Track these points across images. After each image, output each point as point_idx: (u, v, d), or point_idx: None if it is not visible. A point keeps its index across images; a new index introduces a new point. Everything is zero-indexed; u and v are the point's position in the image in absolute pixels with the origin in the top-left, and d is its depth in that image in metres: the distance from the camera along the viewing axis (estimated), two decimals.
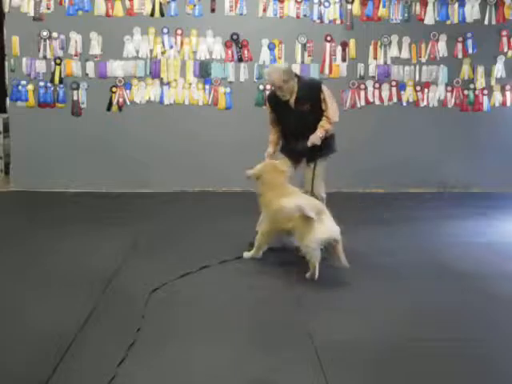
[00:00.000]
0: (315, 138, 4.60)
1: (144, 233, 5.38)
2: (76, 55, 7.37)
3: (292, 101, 4.71)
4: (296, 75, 4.78)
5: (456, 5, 7.56)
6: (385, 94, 7.63)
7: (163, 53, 7.43)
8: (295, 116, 4.69)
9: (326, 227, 4.16)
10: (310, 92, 4.69)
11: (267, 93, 5.58)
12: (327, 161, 4.87)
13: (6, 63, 7.69)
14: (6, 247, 4.91)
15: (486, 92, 7.69)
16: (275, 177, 4.59)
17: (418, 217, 6.19)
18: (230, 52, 7.46)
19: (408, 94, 7.64)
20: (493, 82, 7.70)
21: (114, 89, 7.42)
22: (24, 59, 7.33)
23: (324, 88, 4.71)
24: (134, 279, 4.16)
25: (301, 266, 4.48)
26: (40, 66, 7.36)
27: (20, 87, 7.38)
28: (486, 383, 2.84)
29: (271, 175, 4.59)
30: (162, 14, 7.37)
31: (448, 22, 7.57)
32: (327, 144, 4.76)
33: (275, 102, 4.80)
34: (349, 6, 7.48)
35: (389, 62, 7.59)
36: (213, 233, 5.43)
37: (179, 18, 7.38)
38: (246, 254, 4.67)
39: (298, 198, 4.41)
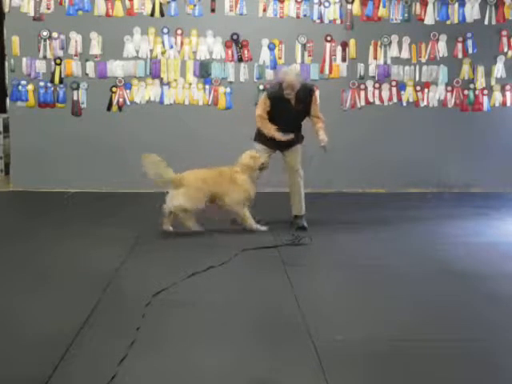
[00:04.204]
0: (324, 135, 5.44)
1: (144, 233, 5.38)
2: (76, 55, 7.38)
3: (293, 102, 5.40)
4: None
5: (456, 5, 7.57)
6: (385, 94, 7.64)
7: (163, 53, 7.43)
8: (292, 113, 5.44)
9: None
10: (306, 94, 5.45)
11: (267, 90, 5.72)
12: (300, 148, 5.67)
13: (6, 63, 7.70)
14: (5, 247, 4.90)
15: (486, 92, 7.70)
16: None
17: (418, 217, 6.19)
18: (229, 52, 7.46)
19: (408, 94, 7.65)
20: (493, 82, 7.71)
21: (114, 89, 7.43)
22: (24, 59, 7.34)
23: (315, 93, 5.58)
24: (134, 279, 4.16)
25: (301, 266, 4.50)
26: (40, 66, 7.37)
27: (20, 87, 7.38)
28: (485, 383, 2.84)
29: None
30: (162, 14, 7.38)
31: (448, 22, 7.58)
32: (300, 135, 5.63)
33: (276, 99, 5.39)
34: (349, 6, 7.48)
35: (389, 62, 7.60)
36: (214, 232, 5.43)
37: (179, 18, 7.39)
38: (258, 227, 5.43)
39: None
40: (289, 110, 5.41)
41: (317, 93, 5.54)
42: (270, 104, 5.42)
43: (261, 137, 5.60)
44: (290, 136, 5.41)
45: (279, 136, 5.39)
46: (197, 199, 5.30)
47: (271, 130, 5.42)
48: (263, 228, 5.46)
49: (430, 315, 3.59)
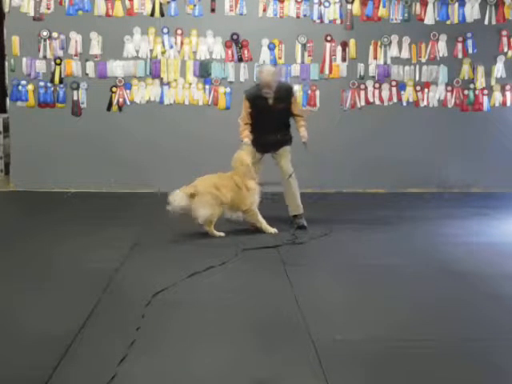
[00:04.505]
0: (306, 132, 5.55)
1: (144, 233, 5.38)
2: (76, 55, 7.38)
3: (271, 100, 5.49)
4: None
5: (456, 5, 7.57)
6: (385, 93, 7.64)
7: (163, 53, 7.43)
8: (271, 113, 5.49)
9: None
10: (286, 93, 5.56)
11: (246, 91, 5.75)
12: (289, 149, 5.74)
13: (6, 63, 7.70)
14: (5, 247, 4.90)
15: (486, 92, 7.70)
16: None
17: (418, 217, 6.19)
18: (230, 52, 7.46)
19: (408, 94, 7.65)
20: (493, 82, 7.71)
21: (114, 89, 7.43)
22: (24, 59, 7.34)
23: (294, 92, 5.78)
24: (134, 279, 4.16)
25: (301, 266, 4.50)
26: (40, 66, 7.37)
27: (20, 87, 7.38)
28: (485, 383, 2.84)
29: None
30: (162, 14, 7.38)
31: (448, 22, 7.58)
32: (289, 136, 5.69)
33: (254, 99, 5.53)
34: (349, 6, 7.48)
35: (389, 61, 7.59)
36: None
37: (179, 18, 7.39)
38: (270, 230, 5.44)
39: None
40: (268, 109, 5.48)
41: (294, 91, 5.74)
42: (250, 104, 5.54)
43: (252, 141, 5.63)
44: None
45: (246, 142, 5.52)
46: (215, 206, 5.28)
47: (242, 135, 5.56)
48: (274, 230, 5.45)
49: (429, 315, 3.59)
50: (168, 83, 7.47)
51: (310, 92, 7.52)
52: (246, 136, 5.55)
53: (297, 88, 7.20)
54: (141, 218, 5.93)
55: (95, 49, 7.37)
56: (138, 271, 4.34)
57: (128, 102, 7.47)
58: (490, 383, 2.85)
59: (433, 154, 7.65)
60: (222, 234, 5.36)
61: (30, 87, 7.38)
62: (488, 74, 7.67)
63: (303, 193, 5.83)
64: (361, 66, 7.59)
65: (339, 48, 7.55)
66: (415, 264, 4.60)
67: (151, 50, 7.43)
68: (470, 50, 7.63)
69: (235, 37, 7.44)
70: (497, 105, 7.75)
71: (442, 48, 7.60)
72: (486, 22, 7.58)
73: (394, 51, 7.58)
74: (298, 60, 7.51)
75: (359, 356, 3.02)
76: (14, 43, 7.32)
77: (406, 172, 7.58)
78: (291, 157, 5.69)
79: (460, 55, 7.64)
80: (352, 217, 6.17)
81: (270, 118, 5.48)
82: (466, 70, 7.65)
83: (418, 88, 7.65)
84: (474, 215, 6.31)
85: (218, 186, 5.31)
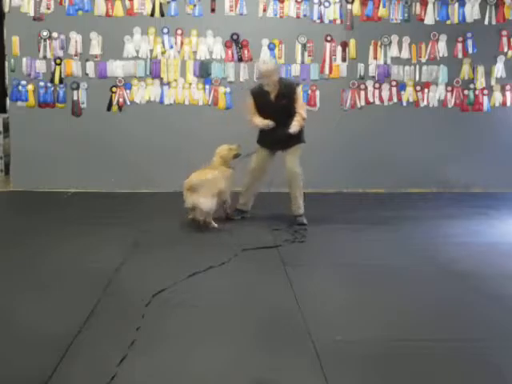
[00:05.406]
0: (295, 126, 5.46)
1: (144, 233, 5.38)
2: (76, 55, 7.37)
3: (273, 96, 5.56)
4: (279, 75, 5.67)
5: (456, 5, 7.56)
6: (385, 94, 7.63)
7: (163, 53, 7.43)
8: (274, 109, 5.54)
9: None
10: (289, 91, 5.57)
11: (250, 89, 5.80)
12: (300, 148, 5.74)
13: (6, 63, 7.69)
14: (5, 247, 4.91)
15: (486, 92, 7.69)
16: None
17: (418, 217, 6.19)
18: (229, 52, 7.46)
19: (408, 94, 7.65)
20: (493, 82, 7.70)
21: (113, 89, 7.42)
22: (24, 59, 7.34)
23: (298, 89, 5.68)
24: (135, 279, 4.16)
25: (301, 266, 4.50)
26: (40, 66, 7.36)
27: (20, 87, 7.38)
28: (485, 383, 2.84)
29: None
30: (162, 14, 7.37)
31: (448, 22, 7.57)
32: (300, 135, 5.64)
33: (258, 95, 5.60)
34: (349, 6, 7.48)
35: (389, 61, 7.59)
36: (214, 232, 5.44)
37: (179, 18, 7.39)
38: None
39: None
40: (270, 106, 5.55)
41: (298, 90, 5.69)
42: (254, 101, 5.62)
43: (261, 139, 5.75)
44: (271, 123, 5.53)
45: (262, 124, 5.56)
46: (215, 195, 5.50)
47: (256, 121, 5.59)
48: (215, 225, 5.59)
49: (430, 315, 3.60)
50: (168, 83, 7.47)
51: (309, 92, 7.52)
52: (258, 120, 5.59)
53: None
54: (141, 218, 5.93)
55: (95, 49, 7.37)
56: (138, 271, 4.34)
57: (128, 102, 7.47)
58: (489, 383, 2.85)
59: (433, 154, 7.65)
60: (216, 225, 5.55)
61: (30, 87, 7.38)
62: (488, 73, 7.66)
63: (303, 193, 5.82)
64: (361, 66, 7.58)
65: (339, 48, 7.54)
66: (415, 264, 4.61)
67: (151, 50, 7.42)
68: (470, 50, 7.62)
69: (235, 37, 7.43)
70: (497, 105, 7.74)
71: (441, 48, 7.60)
72: (486, 22, 7.58)
73: (394, 51, 7.58)
74: (298, 60, 7.51)
75: (359, 356, 3.03)
76: (14, 43, 7.32)
77: (405, 172, 7.58)
78: (299, 158, 5.70)
79: (460, 55, 7.64)
80: (352, 217, 6.18)
81: (274, 114, 5.53)
82: (466, 69, 7.65)
83: (418, 88, 7.65)
84: (474, 215, 6.31)
85: (213, 176, 5.54)
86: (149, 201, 6.88)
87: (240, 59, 7.47)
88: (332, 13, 7.47)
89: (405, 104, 7.66)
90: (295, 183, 5.66)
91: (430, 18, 7.55)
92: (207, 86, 7.50)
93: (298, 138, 5.64)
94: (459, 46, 7.61)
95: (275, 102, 5.56)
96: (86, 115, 7.46)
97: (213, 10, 7.40)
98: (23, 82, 7.37)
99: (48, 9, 7.28)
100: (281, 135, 5.50)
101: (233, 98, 7.48)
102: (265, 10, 7.41)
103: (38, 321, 3.40)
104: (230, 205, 5.87)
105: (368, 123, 7.56)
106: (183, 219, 5.61)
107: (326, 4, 7.45)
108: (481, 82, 7.68)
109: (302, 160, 5.73)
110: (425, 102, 7.67)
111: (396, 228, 5.74)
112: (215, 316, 3.53)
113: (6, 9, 7.32)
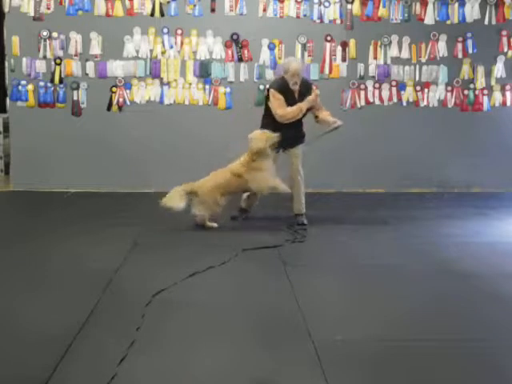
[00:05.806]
0: (336, 120, 5.78)
1: (144, 233, 5.38)
2: (76, 55, 7.38)
3: (296, 93, 5.61)
4: None
5: (456, 5, 7.57)
6: (385, 93, 7.64)
7: (163, 53, 7.43)
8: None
9: None
10: (307, 89, 5.68)
11: (272, 85, 5.70)
12: (301, 148, 5.81)
13: (6, 63, 7.70)
14: (5, 247, 4.90)
15: (486, 92, 7.70)
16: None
17: (417, 217, 6.19)
18: (230, 52, 7.46)
19: (408, 94, 7.65)
20: (493, 82, 7.71)
21: (113, 89, 7.43)
22: (24, 59, 7.34)
23: (314, 88, 5.84)
24: (135, 279, 4.16)
25: (301, 266, 4.50)
26: (40, 66, 7.37)
27: (20, 87, 7.38)
28: (485, 383, 2.84)
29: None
30: (162, 14, 7.38)
31: (448, 22, 7.58)
32: (303, 133, 5.80)
33: (285, 91, 5.56)
34: (349, 6, 7.48)
35: (389, 61, 7.60)
36: (214, 232, 5.44)
37: (179, 18, 7.39)
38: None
39: None
40: (294, 101, 5.57)
41: (314, 88, 5.80)
42: (282, 96, 5.53)
43: None
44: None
45: (305, 106, 5.58)
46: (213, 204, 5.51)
47: (297, 107, 5.55)
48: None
49: (429, 315, 3.60)
50: (168, 83, 7.47)
51: None
52: (303, 104, 5.58)
53: None
54: (141, 218, 5.93)
55: (95, 49, 7.37)
56: (138, 271, 4.34)
57: (128, 102, 7.47)
58: (489, 383, 2.85)
59: (433, 154, 7.65)
60: (216, 224, 5.56)
61: (30, 87, 7.38)
62: (488, 74, 7.67)
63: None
64: (361, 66, 7.59)
65: (339, 48, 7.55)
66: (415, 264, 4.60)
67: (151, 50, 7.43)
68: (470, 50, 7.63)
69: (235, 37, 7.44)
70: (497, 105, 7.75)
71: (442, 48, 7.60)
72: (486, 22, 7.58)
73: (394, 51, 7.58)
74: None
75: (359, 356, 3.03)
76: (14, 43, 7.32)
77: (405, 172, 7.58)
78: (301, 158, 5.76)
79: (460, 55, 7.64)
80: (352, 217, 6.18)
81: None
82: (465, 70, 7.65)
83: (418, 88, 7.65)
84: (474, 215, 6.31)
85: (216, 180, 5.56)
86: (149, 201, 6.87)
87: (240, 59, 7.47)
88: (332, 13, 7.47)
89: (405, 104, 7.67)
90: (299, 181, 5.67)
91: (429, 18, 7.56)
92: (207, 86, 7.50)
93: (303, 137, 5.76)
94: (459, 45, 7.61)
95: (298, 99, 5.61)
96: (85, 115, 7.46)
97: (213, 10, 7.40)
98: (23, 82, 7.38)
99: (48, 9, 7.29)
100: (292, 134, 5.56)
101: (233, 97, 7.48)
102: (265, 10, 7.42)
103: (38, 321, 3.39)
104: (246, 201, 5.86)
105: (368, 123, 7.56)
106: (183, 219, 5.61)
107: (326, 4, 7.45)
108: (481, 82, 7.68)
109: (302, 160, 5.73)
110: (425, 102, 7.68)
111: (396, 228, 5.74)
112: (215, 316, 3.53)
113: (6, 9, 7.33)
